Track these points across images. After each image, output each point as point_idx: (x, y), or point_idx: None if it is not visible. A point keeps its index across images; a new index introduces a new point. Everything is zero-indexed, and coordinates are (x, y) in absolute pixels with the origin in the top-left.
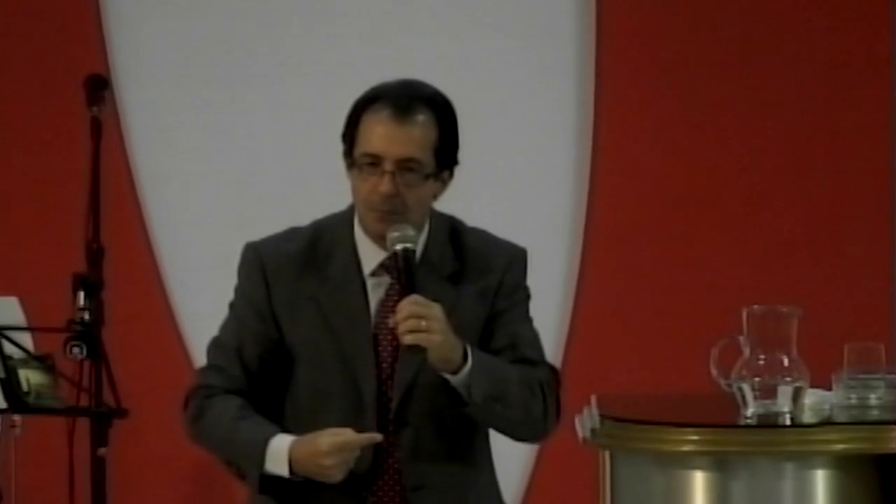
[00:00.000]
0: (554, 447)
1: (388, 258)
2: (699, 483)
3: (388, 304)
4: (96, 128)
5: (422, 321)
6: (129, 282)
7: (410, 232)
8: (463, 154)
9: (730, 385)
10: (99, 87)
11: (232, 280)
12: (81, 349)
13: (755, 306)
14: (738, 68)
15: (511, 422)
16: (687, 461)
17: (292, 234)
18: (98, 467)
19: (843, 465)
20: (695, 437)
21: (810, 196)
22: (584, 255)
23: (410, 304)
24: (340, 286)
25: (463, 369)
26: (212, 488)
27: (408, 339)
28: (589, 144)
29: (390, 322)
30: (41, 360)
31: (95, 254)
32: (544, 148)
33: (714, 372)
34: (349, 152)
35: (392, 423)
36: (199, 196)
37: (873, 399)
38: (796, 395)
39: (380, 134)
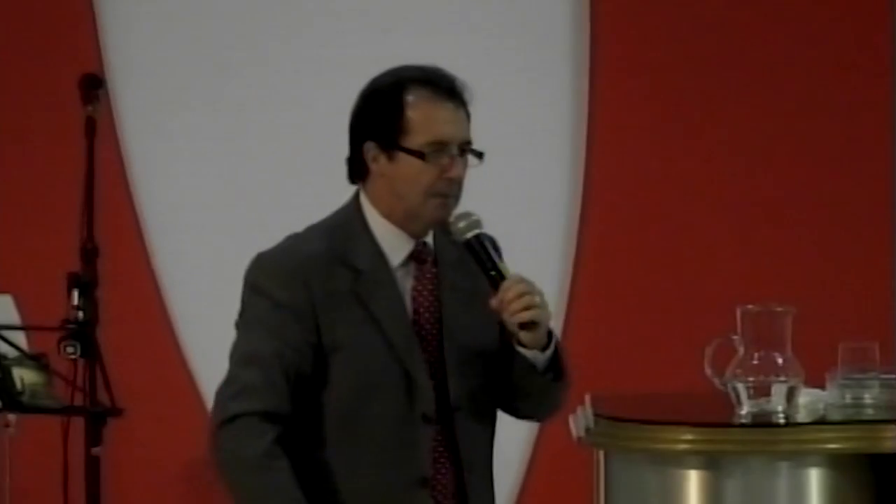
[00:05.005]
0: (548, 446)
1: (418, 248)
2: (694, 482)
3: (422, 292)
4: (91, 127)
5: (535, 297)
6: (123, 281)
7: (475, 217)
8: None
9: (724, 384)
10: (94, 86)
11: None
12: (76, 348)
13: (749, 306)
14: (734, 68)
15: (556, 402)
16: (681, 460)
17: (301, 238)
18: (92, 466)
19: (838, 465)
20: (689, 437)
21: (809, 195)
22: (578, 255)
23: (518, 283)
24: (374, 279)
25: (549, 346)
26: (205, 486)
27: (526, 316)
28: (583, 145)
29: (492, 303)
30: (35, 360)
31: (90, 253)
32: (538, 148)
33: (708, 371)
34: (394, 142)
35: (449, 407)
36: (193, 195)
37: (867, 398)
38: (790, 395)
39: (444, 119)
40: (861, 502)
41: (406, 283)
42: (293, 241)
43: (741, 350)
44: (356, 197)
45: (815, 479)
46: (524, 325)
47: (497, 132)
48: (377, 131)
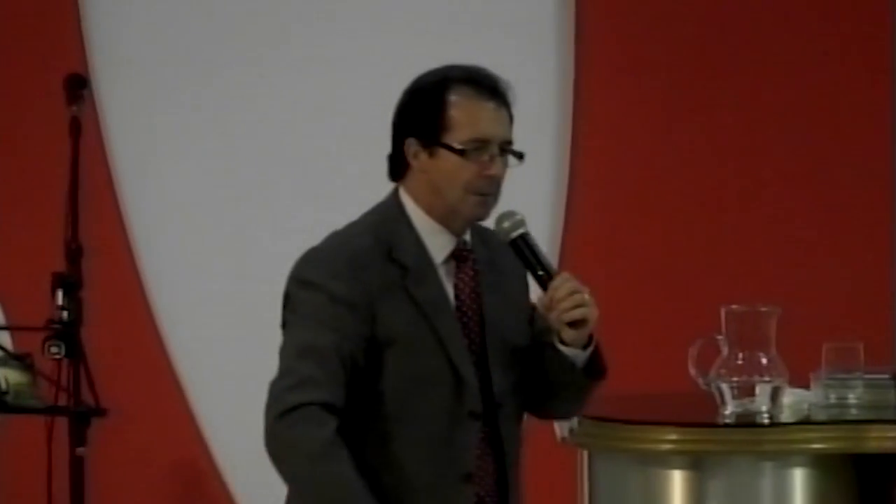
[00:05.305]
0: (532, 447)
1: (459, 246)
2: (678, 482)
3: (464, 290)
4: (75, 127)
5: (584, 295)
6: (108, 281)
7: (518, 216)
8: None
9: (708, 384)
10: (78, 87)
11: (211, 279)
12: (60, 348)
13: (734, 306)
14: (722, 67)
15: (586, 401)
16: (665, 460)
17: (347, 234)
18: (77, 467)
19: (822, 464)
20: (673, 437)
21: (799, 194)
22: (563, 254)
23: (568, 282)
24: (421, 275)
25: (590, 344)
26: (191, 487)
27: (577, 314)
28: (568, 144)
29: (539, 302)
30: (20, 360)
31: (74, 253)
32: (522, 147)
33: (693, 371)
34: (436, 138)
35: (493, 403)
36: (178, 195)
37: (852, 398)
38: (775, 395)
39: (486, 118)
40: (844, 502)
41: (448, 281)
42: (340, 237)
43: (725, 350)
44: (395, 194)
45: (799, 479)
46: (573, 324)
47: None
48: (419, 128)
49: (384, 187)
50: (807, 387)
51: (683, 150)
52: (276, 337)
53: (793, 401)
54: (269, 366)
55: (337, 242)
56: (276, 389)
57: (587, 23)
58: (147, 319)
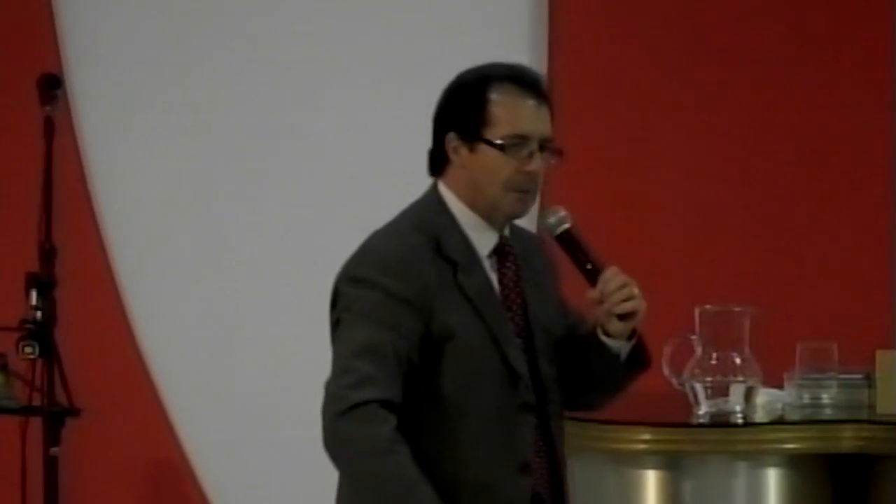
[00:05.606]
0: None
1: (501, 241)
2: (652, 481)
3: (508, 285)
4: (49, 127)
5: (634, 288)
6: (81, 281)
7: (563, 212)
8: (417, 151)
9: (682, 384)
10: (52, 87)
11: (185, 279)
12: (34, 348)
13: (708, 306)
14: (698, 68)
15: (622, 393)
16: (640, 460)
17: (394, 232)
18: (51, 466)
19: (795, 464)
20: (647, 437)
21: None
22: None
23: (617, 275)
24: (471, 270)
25: (633, 337)
26: (163, 486)
27: (628, 307)
28: None
29: (588, 296)
30: None
31: (48, 253)
32: None
33: (666, 371)
34: (476, 133)
35: (543, 396)
36: (151, 195)
37: (825, 398)
38: (748, 395)
39: (526, 114)
40: (818, 501)
41: (492, 276)
42: (389, 234)
43: (699, 350)
44: (435, 190)
45: (773, 479)
46: (623, 316)
47: None
48: (460, 123)
49: (356, 186)
50: (781, 386)
51: (659, 150)
52: (248, 335)
53: (766, 401)
54: (243, 365)
55: (387, 239)
56: (335, 388)
57: (561, 24)
58: (121, 319)
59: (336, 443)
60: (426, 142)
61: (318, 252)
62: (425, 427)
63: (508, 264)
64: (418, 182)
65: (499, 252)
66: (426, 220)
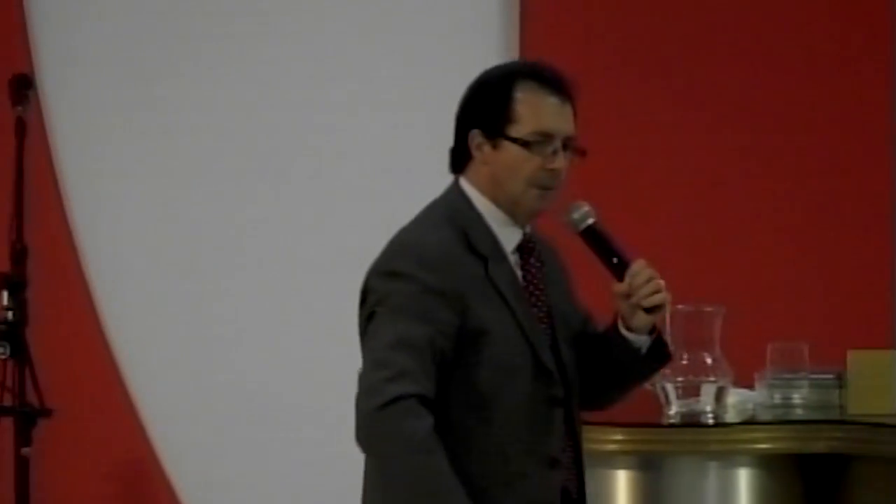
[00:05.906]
0: None
1: (525, 237)
2: (623, 482)
3: (532, 281)
4: (20, 127)
5: (661, 281)
6: (53, 281)
7: (586, 207)
8: (398, 151)
9: (653, 384)
10: (23, 87)
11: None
12: (5, 349)
13: (679, 305)
14: (674, 69)
15: (638, 387)
16: (611, 460)
17: (425, 227)
18: (22, 467)
19: (767, 464)
20: (619, 437)
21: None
22: None
23: (645, 269)
24: (499, 265)
25: (653, 331)
26: (135, 487)
27: (656, 299)
28: None
29: (615, 289)
30: None
31: (19, 253)
32: None
33: None
34: (500, 130)
35: (569, 390)
36: (123, 195)
37: (797, 398)
38: (719, 395)
39: (550, 112)
40: (789, 501)
41: (518, 272)
42: (420, 230)
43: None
44: (457, 186)
45: (744, 479)
46: (650, 309)
47: (427, 130)
48: (484, 120)
49: (326, 184)
50: (752, 387)
51: (633, 150)
52: (219, 335)
53: (737, 401)
54: (214, 365)
55: (419, 234)
56: (372, 380)
57: (532, 23)
58: (92, 320)
59: (374, 437)
60: (404, 142)
61: (291, 250)
62: (457, 422)
63: (532, 260)
64: (397, 183)
65: (522, 249)
66: (455, 215)
